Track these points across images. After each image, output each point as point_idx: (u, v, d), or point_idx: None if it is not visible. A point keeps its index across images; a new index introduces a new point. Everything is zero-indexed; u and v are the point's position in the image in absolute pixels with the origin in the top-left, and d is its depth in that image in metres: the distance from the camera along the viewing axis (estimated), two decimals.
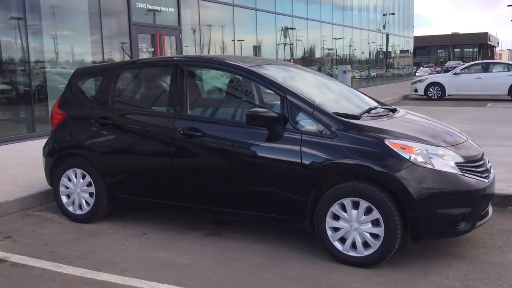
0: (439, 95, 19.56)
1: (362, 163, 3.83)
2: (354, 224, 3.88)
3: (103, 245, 4.49)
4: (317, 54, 23.79)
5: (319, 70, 23.85)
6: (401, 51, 38.77)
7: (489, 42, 69.15)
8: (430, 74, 37.35)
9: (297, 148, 4.02)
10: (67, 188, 5.12)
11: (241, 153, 4.28)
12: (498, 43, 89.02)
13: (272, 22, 19.33)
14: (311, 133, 4.03)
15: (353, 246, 3.91)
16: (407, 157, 3.77)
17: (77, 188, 5.05)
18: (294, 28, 21.13)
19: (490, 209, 4.35)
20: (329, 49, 25.23)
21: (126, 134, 4.84)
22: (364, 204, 3.82)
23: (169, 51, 13.41)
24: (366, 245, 3.87)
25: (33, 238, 4.68)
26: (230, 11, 16.59)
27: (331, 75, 24.60)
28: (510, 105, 16.67)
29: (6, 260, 4.16)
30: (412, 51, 42.14)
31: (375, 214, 3.79)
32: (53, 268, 3.96)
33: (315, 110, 4.08)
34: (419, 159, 3.79)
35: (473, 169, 4.00)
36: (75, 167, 5.06)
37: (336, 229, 3.96)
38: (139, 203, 4.93)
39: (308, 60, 22.96)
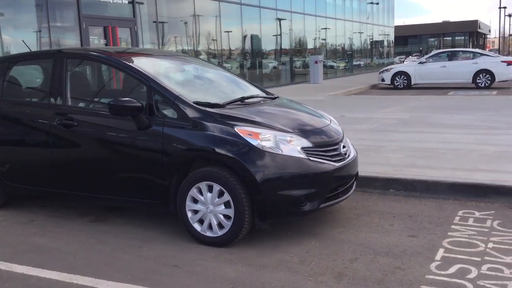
0: (405, 84, 19.78)
1: (214, 148, 4.03)
2: (209, 207, 4.09)
3: None
4: (289, 46, 23.86)
5: (291, 60, 23.96)
6: (382, 41, 38.92)
7: (479, 30, 69.02)
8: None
9: (159, 135, 4.22)
10: None
11: (111, 141, 4.49)
12: (489, 30, 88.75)
13: (238, 14, 19.43)
14: (172, 121, 4.22)
15: (210, 227, 4.12)
16: (254, 143, 3.98)
17: None
18: (263, 20, 21.24)
19: (351, 190, 4.57)
20: (303, 40, 25.32)
21: (12, 125, 5.03)
22: (216, 187, 4.03)
23: (124, 43, 13.57)
24: (220, 226, 4.08)
25: None
26: (190, 2, 16.69)
27: (305, 66, 24.72)
28: (471, 93, 16.86)
29: None
30: (393, 41, 42.30)
31: (226, 196, 3.99)
32: None
33: (175, 100, 4.26)
34: (266, 144, 4.00)
35: (322, 153, 4.20)
36: None
37: (195, 212, 4.17)
38: (27, 192, 5.12)
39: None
